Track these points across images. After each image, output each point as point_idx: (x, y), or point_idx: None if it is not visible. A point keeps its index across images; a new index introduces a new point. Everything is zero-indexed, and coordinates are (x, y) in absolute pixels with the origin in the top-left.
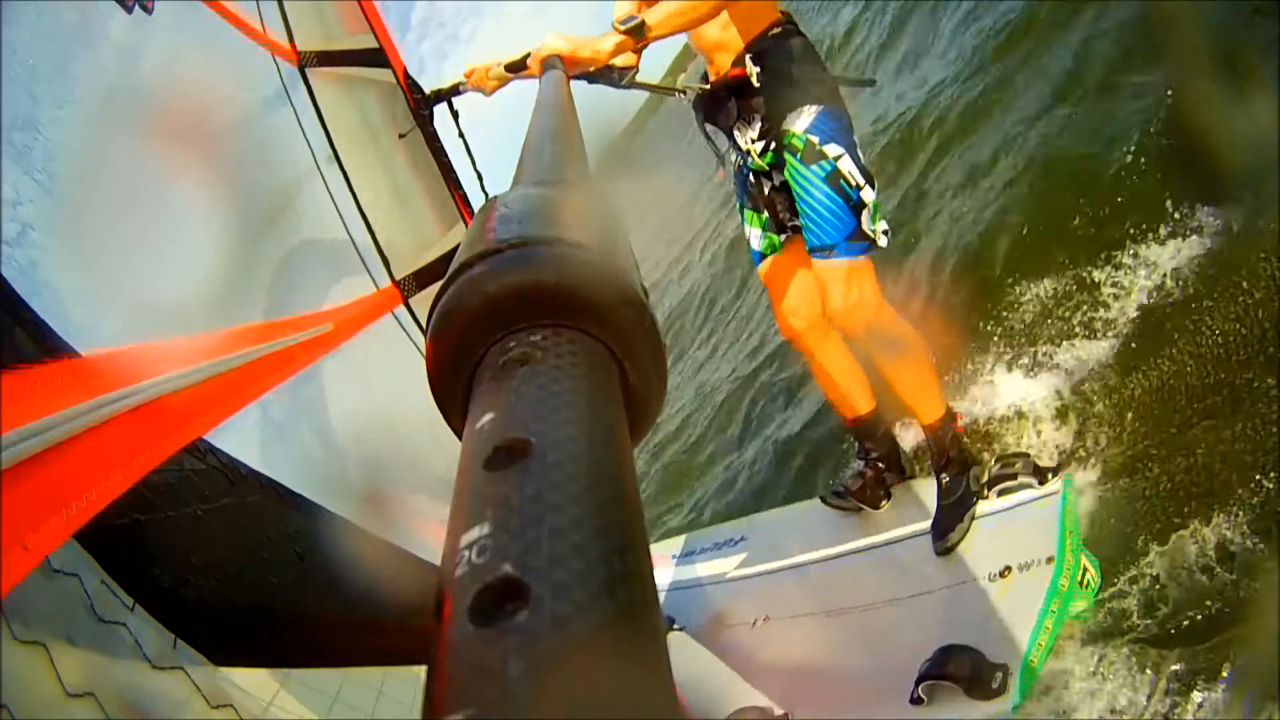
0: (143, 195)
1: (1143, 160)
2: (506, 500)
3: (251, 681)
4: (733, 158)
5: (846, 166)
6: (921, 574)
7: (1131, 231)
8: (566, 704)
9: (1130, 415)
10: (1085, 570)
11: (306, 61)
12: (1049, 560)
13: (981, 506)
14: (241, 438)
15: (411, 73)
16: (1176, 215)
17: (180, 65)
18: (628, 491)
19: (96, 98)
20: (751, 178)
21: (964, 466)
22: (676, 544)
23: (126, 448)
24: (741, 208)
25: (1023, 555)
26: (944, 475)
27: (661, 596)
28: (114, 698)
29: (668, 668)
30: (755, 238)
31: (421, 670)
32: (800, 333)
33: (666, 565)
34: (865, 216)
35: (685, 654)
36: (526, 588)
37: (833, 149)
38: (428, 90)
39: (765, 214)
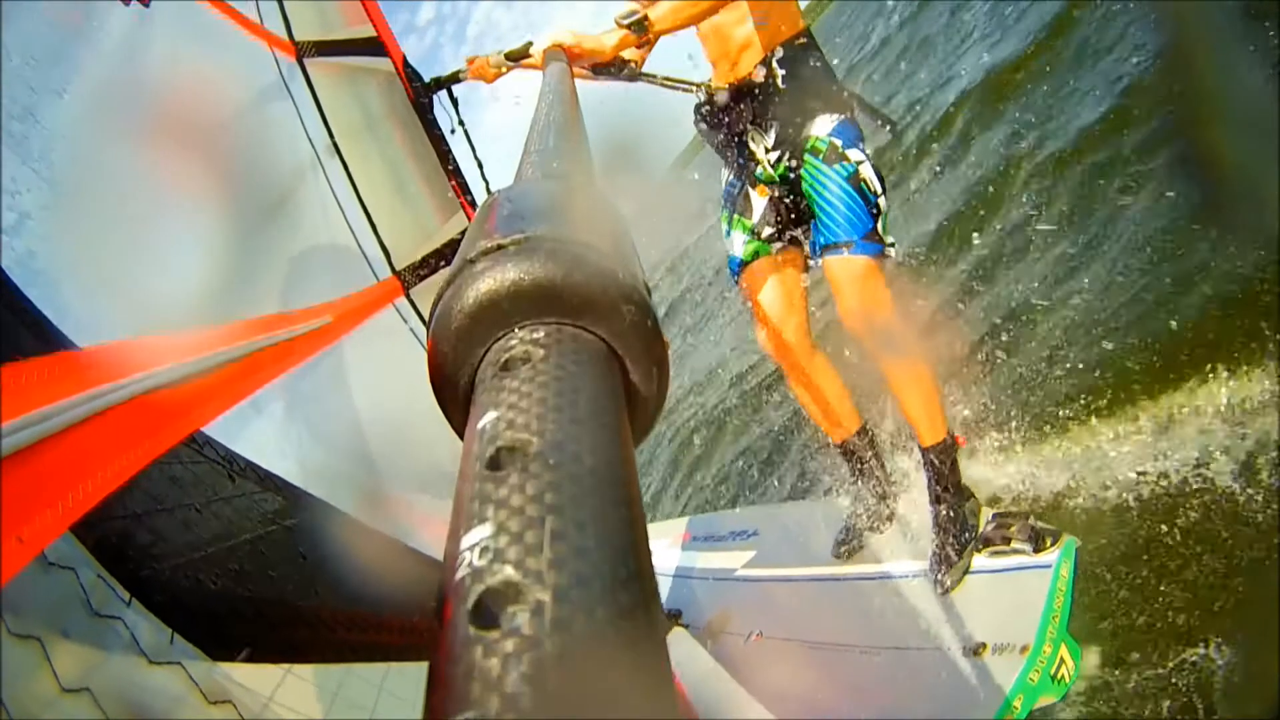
0: (141, 188)
1: None
2: (508, 502)
3: (251, 677)
4: (725, 173)
5: (866, 172)
6: (904, 625)
7: None
8: (567, 707)
9: None
10: (1062, 662)
11: (304, 52)
12: (1024, 650)
13: (974, 561)
14: (242, 432)
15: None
16: None
17: (178, 59)
18: (630, 493)
19: (95, 89)
20: (745, 186)
21: (960, 496)
22: (691, 523)
23: (124, 440)
24: (728, 216)
25: (1000, 635)
26: (942, 506)
27: (668, 581)
28: (110, 693)
29: (669, 672)
30: (738, 243)
31: (424, 666)
32: (790, 348)
33: (677, 546)
34: (881, 222)
35: (688, 654)
36: (528, 590)
37: (854, 154)
38: (428, 79)
39: (752, 220)
